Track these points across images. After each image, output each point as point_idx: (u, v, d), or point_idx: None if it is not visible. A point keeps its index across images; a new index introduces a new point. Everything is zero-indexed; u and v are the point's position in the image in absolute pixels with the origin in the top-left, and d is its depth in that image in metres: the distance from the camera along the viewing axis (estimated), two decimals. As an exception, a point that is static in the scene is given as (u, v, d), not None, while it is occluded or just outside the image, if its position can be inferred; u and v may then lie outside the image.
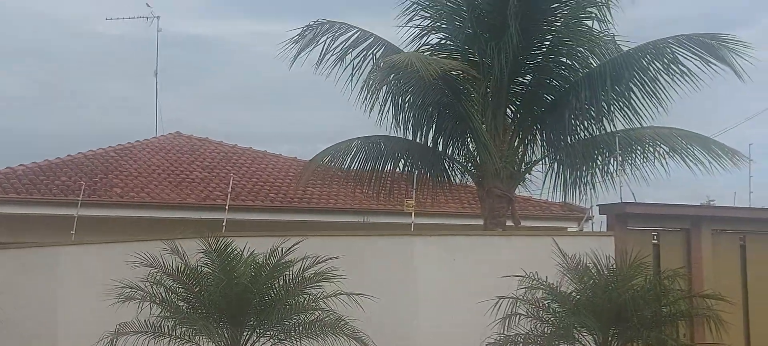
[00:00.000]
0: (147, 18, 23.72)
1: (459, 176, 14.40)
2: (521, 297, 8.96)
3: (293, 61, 13.24)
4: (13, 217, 17.36)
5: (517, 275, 9.06)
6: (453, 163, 14.26)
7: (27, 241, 14.67)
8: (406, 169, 14.49)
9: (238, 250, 9.17)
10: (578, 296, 8.84)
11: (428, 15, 13.93)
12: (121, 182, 18.88)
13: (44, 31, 41.44)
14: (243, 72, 42.71)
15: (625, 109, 13.03)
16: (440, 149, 14.16)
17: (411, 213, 14.93)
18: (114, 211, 17.80)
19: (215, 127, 41.43)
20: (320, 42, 13.47)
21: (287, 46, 13.28)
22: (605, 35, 13.29)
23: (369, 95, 13.37)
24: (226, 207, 17.52)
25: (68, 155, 20.03)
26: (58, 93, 41.04)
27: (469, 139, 13.93)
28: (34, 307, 12.12)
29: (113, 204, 17.91)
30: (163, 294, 8.95)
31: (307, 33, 13.50)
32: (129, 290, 8.87)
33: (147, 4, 23.63)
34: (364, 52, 13.68)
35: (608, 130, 13.15)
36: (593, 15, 13.24)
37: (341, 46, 13.53)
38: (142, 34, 27.85)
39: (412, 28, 13.90)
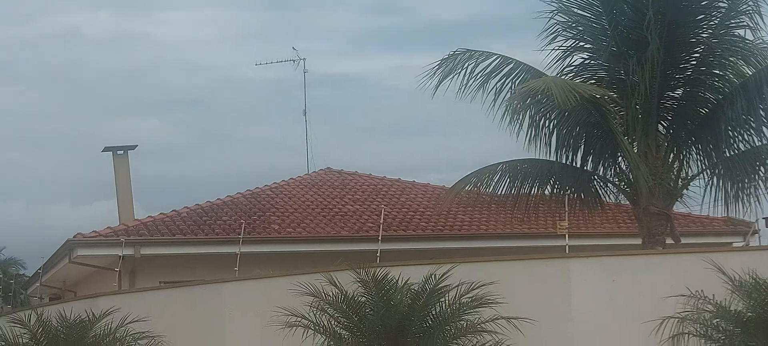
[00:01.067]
0: (294, 61, 24.36)
1: (612, 195, 13.95)
2: (688, 317, 8.47)
3: (435, 91, 13.22)
4: (180, 257, 18.01)
5: (682, 295, 8.58)
6: (605, 183, 13.83)
7: (193, 279, 15.16)
8: (554, 191, 14.13)
9: (394, 279, 9.12)
10: (750, 314, 8.28)
11: (571, 35, 13.62)
12: (278, 218, 19.29)
13: (198, 80, 43.30)
14: (387, 105, 43.29)
15: (786, 116, 12.34)
16: (590, 169, 13.76)
17: (565, 235, 14.56)
18: (273, 246, 18.18)
19: (364, 161, 42.18)
20: (460, 71, 13.36)
21: (428, 76, 13.25)
22: (760, 43, 12.68)
23: (511, 120, 13.14)
24: (379, 238, 17.59)
25: (228, 196, 20.65)
26: (213, 137, 42.73)
27: (620, 158, 13.48)
28: (203, 340, 12.45)
29: (272, 240, 18.31)
30: (326, 323, 9.01)
31: (447, 63, 13.44)
32: (295, 319, 8.98)
33: (293, 47, 24.39)
34: (505, 77, 13.49)
35: (769, 139, 12.48)
36: (744, 23, 12.66)
37: (482, 72, 13.39)
38: (290, 76, 28.55)
39: (555, 50, 13.63)
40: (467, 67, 13.36)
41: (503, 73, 13.42)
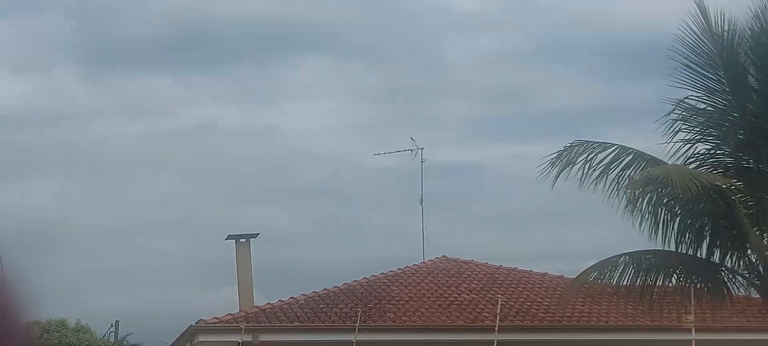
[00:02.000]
0: (411, 150, 24.44)
1: (742, 287, 13.23)
2: None
3: (554, 182, 12.99)
4: (298, 343, 17.96)
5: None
6: (733, 275, 13.15)
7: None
8: (679, 282, 13.51)
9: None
10: None
11: (694, 127, 13.16)
12: (394, 306, 19.08)
13: (319, 169, 44.05)
14: (504, 193, 42.70)
15: None
16: (717, 261, 13.12)
17: (691, 329, 13.86)
18: (389, 335, 17.95)
19: (479, 250, 41.41)
20: (578, 161, 13.09)
21: (546, 167, 13.03)
22: None
23: (630, 208, 12.70)
24: (496, 328, 17.14)
25: (344, 284, 20.61)
26: (332, 225, 43.03)
27: (749, 250, 12.80)
28: None
29: (387, 328, 18.08)
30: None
31: (564, 154, 13.20)
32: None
33: (411, 138, 24.39)
34: (626, 168, 13.12)
35: None
36: None
37: (600, 162, 13.06)
38: (408, 165, 28.65)
39: (678, 142, 13.20)
40: (586, 157, 13.05)
41: (623, 163, 13.05)
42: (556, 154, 13.20)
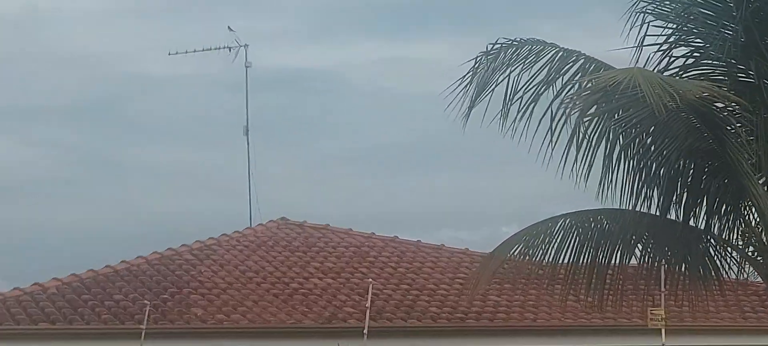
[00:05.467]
0: (230, 49, 24.47)
1: (733, 266, 14.07)
2: None
3: (467, 117, 13.44)
4: (47, 358, 18.00)
5: None
6: (723, 248, 13.95)
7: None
8: (644, 259, 14.28)
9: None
10: None
11: (669, 24, 13.84)
12: (204, 298, 19.34)
13: (77, 77, 43.36)
14: (372, 122, 43.32)
15: None
16: (701, 227, 13.90)
17: (659, 330, 14.66)
18: (194, 344, 18.20)
19: (336, 209, 41.87)
20: (500, 79, 13.62)
21: (453, 93, 13.49)
22: None
23: (578, 142, 13.30)
24: (365, 332, 17.59)
25: (123, 262, 20.72)
26: (98, 165, 42.58)
27: (747, 209, 13.61)
28: None
29: (192, 332, 18.33)
30: None
31: (480, 69, 13.68)
32: None
33: (229, 28, 24.37)
34: (572, 79, 13.68)
35: None
36: None
37: (535, 76, 13.58)
38: (224, 73, 28.52)
39: (647, 46, 13.85)
40: (511, 71, 13.55)
41: (569, 74, 13.55)
42: (469, 71, 13.61)
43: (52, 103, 42.67)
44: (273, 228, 22.79)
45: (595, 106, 12.86)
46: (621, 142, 13.66)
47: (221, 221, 34.02)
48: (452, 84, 13.55)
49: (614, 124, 13.46)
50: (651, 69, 13.65)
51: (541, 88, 13.59)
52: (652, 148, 13.65)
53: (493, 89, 13.62)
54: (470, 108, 13.51)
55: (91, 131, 44.20)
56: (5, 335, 17.88)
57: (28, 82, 42.52)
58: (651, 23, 13.82)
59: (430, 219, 39.60)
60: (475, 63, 13.74)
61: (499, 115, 13.51)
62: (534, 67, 13.68)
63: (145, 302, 18.21)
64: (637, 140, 13.68)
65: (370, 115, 43.46)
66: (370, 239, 22.56)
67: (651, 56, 13.82)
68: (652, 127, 13.29)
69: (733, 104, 13.13)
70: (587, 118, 13.06)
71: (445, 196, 39.78)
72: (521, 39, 13.86)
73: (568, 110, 13.09)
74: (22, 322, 18.15)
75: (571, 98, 13.20)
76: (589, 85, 12.72)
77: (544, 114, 13.46)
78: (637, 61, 13.71)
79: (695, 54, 13.89)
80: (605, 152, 13.63)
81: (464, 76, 13.65)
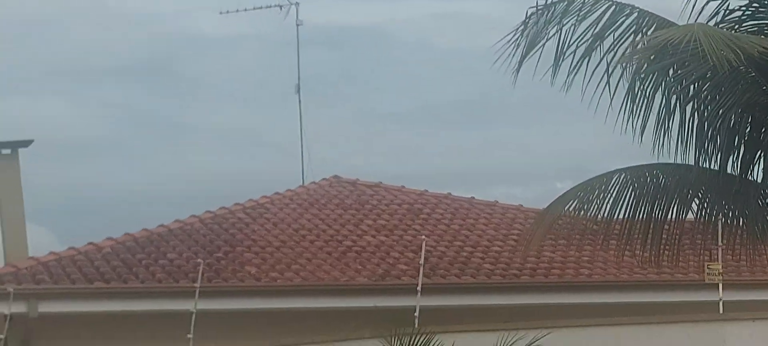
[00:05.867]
0: (280, 7, 24.47)
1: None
2: None
3: (517, 73, 13.39)
4: (101, 316, 18.17)
5: None
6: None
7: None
8: (702, 214, 14.23)
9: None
10: None
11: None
12: (257, 256, 19.42)
13: (129, 39, 43.55)
14: (425, 78, 43.29)
15: None
16: (758, 181, 13.84)
17: (717, 285, 14.65)
18: (248, 302, 18.31)
19: (390, 167, 42.00)
20: (551, 33, 13.56)
21: (504, 50, 13.39)
22: None
23: (634, 98, 13.26)
24: (419, 288, 17.65)
25: (176, 221, 20.85)
26: (150, 126, 42.84)
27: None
28: None
29: (247, 291, 18.43)
30: None
31: (531, 25, 13.60)
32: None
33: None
34: (624, 37, 13.62)
35: None
36: None
37: (586, 31, 13.50)
38: (275, 32, 28.61)
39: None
40: (561, 26, 13.49)
41: (621, 28, 13.47)
42: (520, 25, 13.51)
43: (105, 63, 43.07)
44: (325, 186, 22.84)
45: (651, 62, 12.82)
46: (678, 96, 13.63)
47: (274, 180, 34.32)
48: (503, 38, 13.49)
49: (671, 79, 13.43)
50: (705, 21, 13.58)
51: (594, 43, 13.56)
52: (710, 102, 13.61)
53: (544, 43, 13.62)
54: (521, 62, 13.47)
55: (144, 91, 44.54)
56: (61, 294, 18.02)
57: (81, 43, 42.87)
58: None
59: (484, 176, 39.60)
60: (526, 16, 13.72)
61: (550, 71, 13.56)
62: (586, 20, 13.63)
63: (199, 260, 18.33)
64: (694, 95, 13.66)
65: (421, 72, 43.54)
66: (422, 195, 22.56)
67: (704, 7, 13.73)
68: (710, 82, 13.24)
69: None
70: (643, 73, 13.02)
71: (498, 152, 39.82)
72: None
73: (624, 65, 13.05)
74: (78, 281, 18.29)
75: (628, 53, 13.16)
76: (648, 40, 12.68)
77: (597, 67, 13.47)
78: (691, 13, 13.64)
79: (753, 5, 13.79)
80: (661, 106, 13.61)
81: (515, 29, 13.62)
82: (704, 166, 13.80)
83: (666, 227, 14.20)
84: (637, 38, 13.37)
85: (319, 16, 46.89)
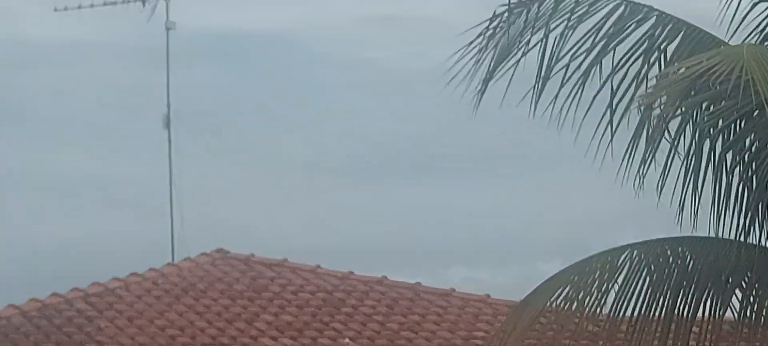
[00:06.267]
0: (143, 2, 24.48)
1: None
2: None
3: (479, 98, 13.69)
4: None
5: None
6: None
7: None
8: (748, 311, 14.37)
9: None
10: None
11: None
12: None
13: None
14: (351, 109, 43.32)
15: None
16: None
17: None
18: None
19: (300, 239, 41.88)
20: (533, 43, 13.89)
21: (464, 64, 13.68)
22: None
23: (651, 148, 13.42)
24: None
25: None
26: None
27: None
28: None
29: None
30: None
31: (502, 26, 13.88)
32: None
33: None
34: (639, 45, 13.78)
35: None
36: None
37: (594, 35, 13.73)
38: (133, 37, 28.54)
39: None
40: (548, 34, 13.67)
41: (634, 34, 13.68)
42: (485, 32, 13.79)
43: None
44: (206, 264, 22.79)
45: (680, 99, 12.94)
46: (712, 141, 13.75)
47: (131, 254, 34.07)
48: (461, 49, 13.69)
49: (705, 117, 13.54)
50: (752, 35, 13.80)
51: (596, 55, 13.68)
52: (760, 151, 13.74)
53: (521, 58, 13.71)
54: (486, 83, 13.71)
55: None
56: None
57: None
58: None
59: (436, 252, 39.75)
60: (492, 19, 13.82)
61: (530, 97, 13.66)
62: (584, 24, 13.82)
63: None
64: (737, 139, 13.79)
65: (347, 98, 43.59)
66: (346, 279, 22.57)
67: (737, 8, 14.02)
68: (760, 123, 13.38)
69: None
70: (666, 109, 13.13)
71: (457, 218, 39.96)
72: None
73: (646, 103, 13.14)
74: None
75: (653, 90, 13.24)
76: (681, 71, 12.78)
77: (599, 91, 13.58)
78: (721, 15, 13.85)
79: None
80: (690, 155, 13.72)
81: (479, 35, 13.78)
82: (751, 241, 14.03)
83: (696, 329, 14.35)
84: (660, 60, 13.54)
85: (202, 18, 46.85)
